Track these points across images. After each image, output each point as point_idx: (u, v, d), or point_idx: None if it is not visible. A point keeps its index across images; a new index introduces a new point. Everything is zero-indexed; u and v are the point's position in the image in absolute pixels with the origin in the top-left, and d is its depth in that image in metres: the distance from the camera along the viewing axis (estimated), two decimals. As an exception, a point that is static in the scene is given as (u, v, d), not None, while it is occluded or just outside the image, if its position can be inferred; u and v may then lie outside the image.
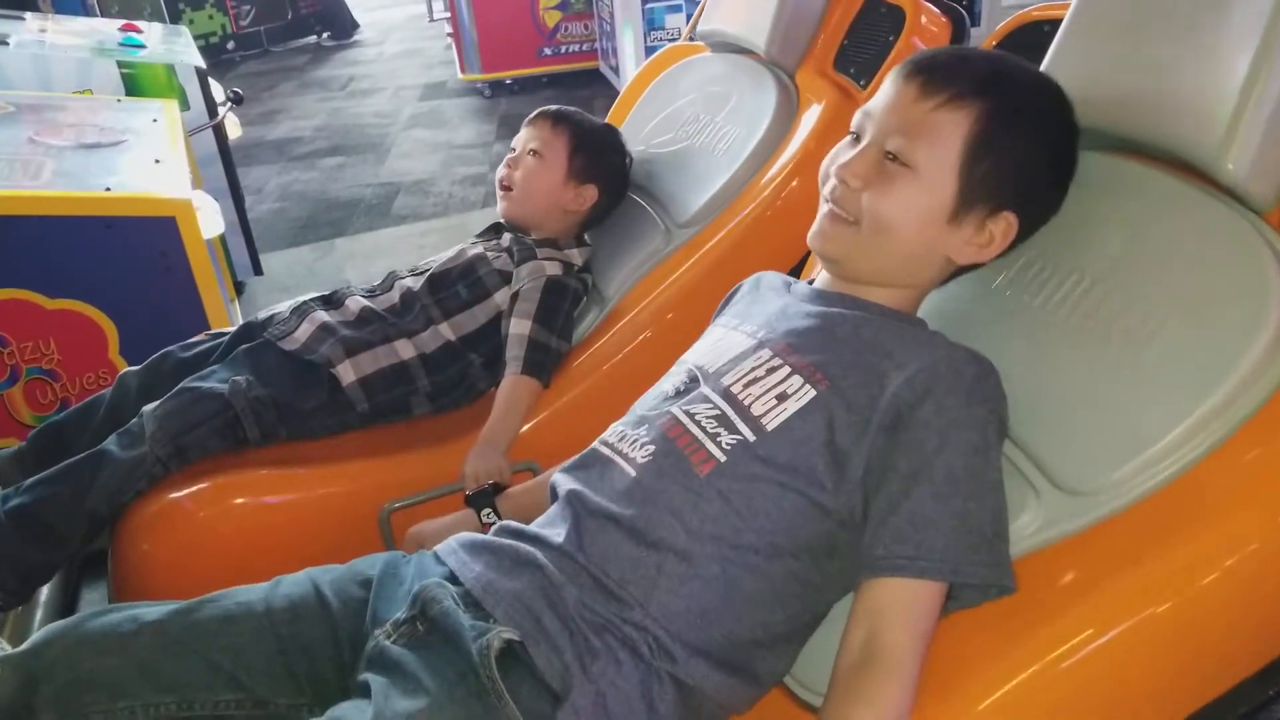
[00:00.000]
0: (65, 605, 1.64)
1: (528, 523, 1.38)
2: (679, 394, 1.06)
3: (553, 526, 1.02)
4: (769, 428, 0.96)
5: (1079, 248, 1.06)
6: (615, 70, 5.59)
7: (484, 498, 1.36)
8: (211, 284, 2.14)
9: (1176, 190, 1.01)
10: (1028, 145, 1.01)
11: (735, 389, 1.01)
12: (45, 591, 1.62)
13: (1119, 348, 0.97)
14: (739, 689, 0.96)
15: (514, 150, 1.78)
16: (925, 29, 1.62)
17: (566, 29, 6.04)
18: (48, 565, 1.44)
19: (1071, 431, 0.97)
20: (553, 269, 1.64)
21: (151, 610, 1.00)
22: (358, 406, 1.55)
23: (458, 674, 0.89)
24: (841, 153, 1.06)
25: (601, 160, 1.77)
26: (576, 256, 1.71)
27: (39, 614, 1.60)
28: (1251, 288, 0.90)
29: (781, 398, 0.98)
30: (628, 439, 1.04)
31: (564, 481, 1.06)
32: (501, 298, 1.64)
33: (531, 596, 0.94)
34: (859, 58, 1.69)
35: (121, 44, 3.21)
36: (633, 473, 1.00)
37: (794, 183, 1.61)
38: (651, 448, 1.01)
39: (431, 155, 5.16)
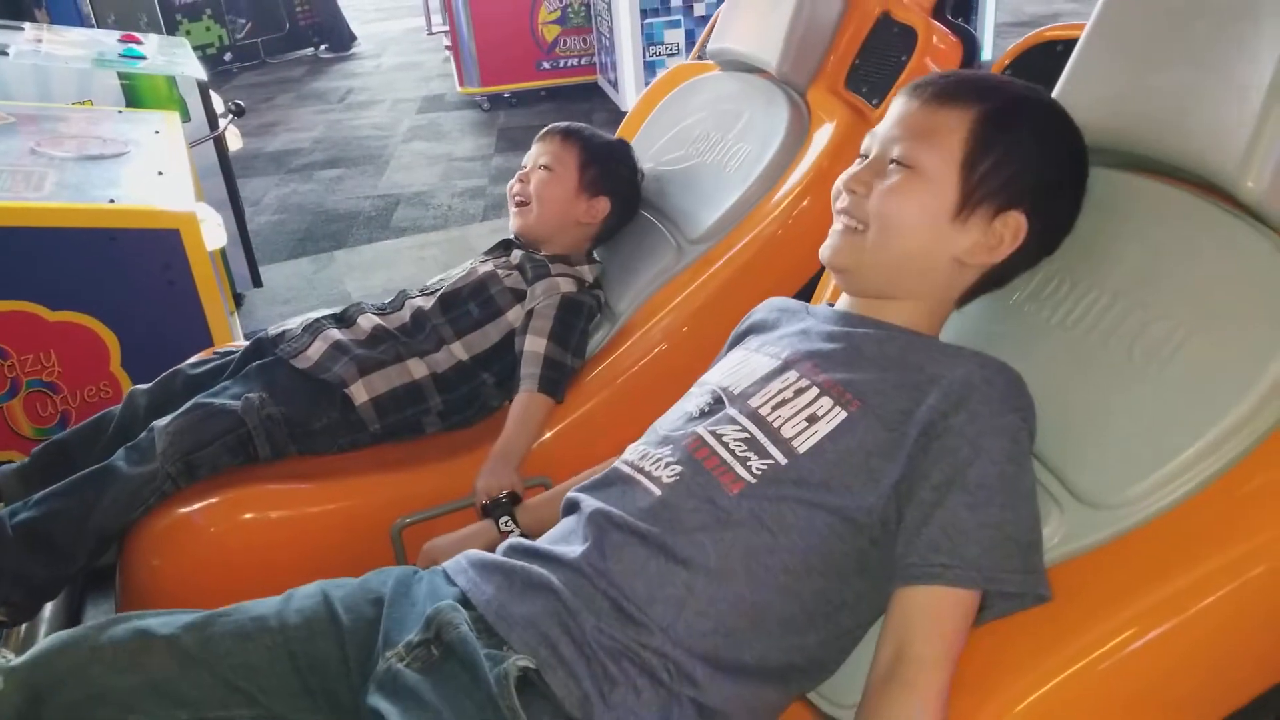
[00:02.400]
0: (70, 618, 1.62)
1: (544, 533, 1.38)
2: (704, 415, 1.05)
3: (568, 542, 1.01)
4: (800, 450, 0.96)
5: (1097, 265, 1.06)
6: (614, 84, 5.60)
7: (502, 507, 1.36)
8: (214, 297, 2.14)
9: (1195, 208, 1.01)
10: (1028, 144, 1.03)
11: (764, 411, 1.00)
12: (49, 606, 1.60)
13: (1139, 364, 0.97)
14: (767, 701, 0.96)
15: (524, 167, 1.78)
16: (936, 48, 1.62)
17: (565, 43, 6.05)
18: (55, 581, 1.43)
19: (1093, 446, 0.97)
20: (567, 286, 1.64)
21: (163, 624, 0.98)
22: (370, 426, 1.54)
23: (477, 705, 0.87)
24: (849, 171, 1.08)
25: (612, 172, 1.78)
26: (588, 273, 1.71)
27: (44, 628, 1.58)
28: (1272, 305, 0.90)
29: (812, 419, 0.97)
30: (650, 458, 1.03)
31: (584, 500, 1.04)
32: (514, 315, 1.63)
33: (546, 622, 0.93)
34: (871, 77, 1.69)
35: (122, 55, 3.20)
36: (658, 491, 0.98)
37: (805, 201, 1.60)
38: (678, 468, 0.99)
39: (430, 168, 5.16)
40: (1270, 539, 0.85)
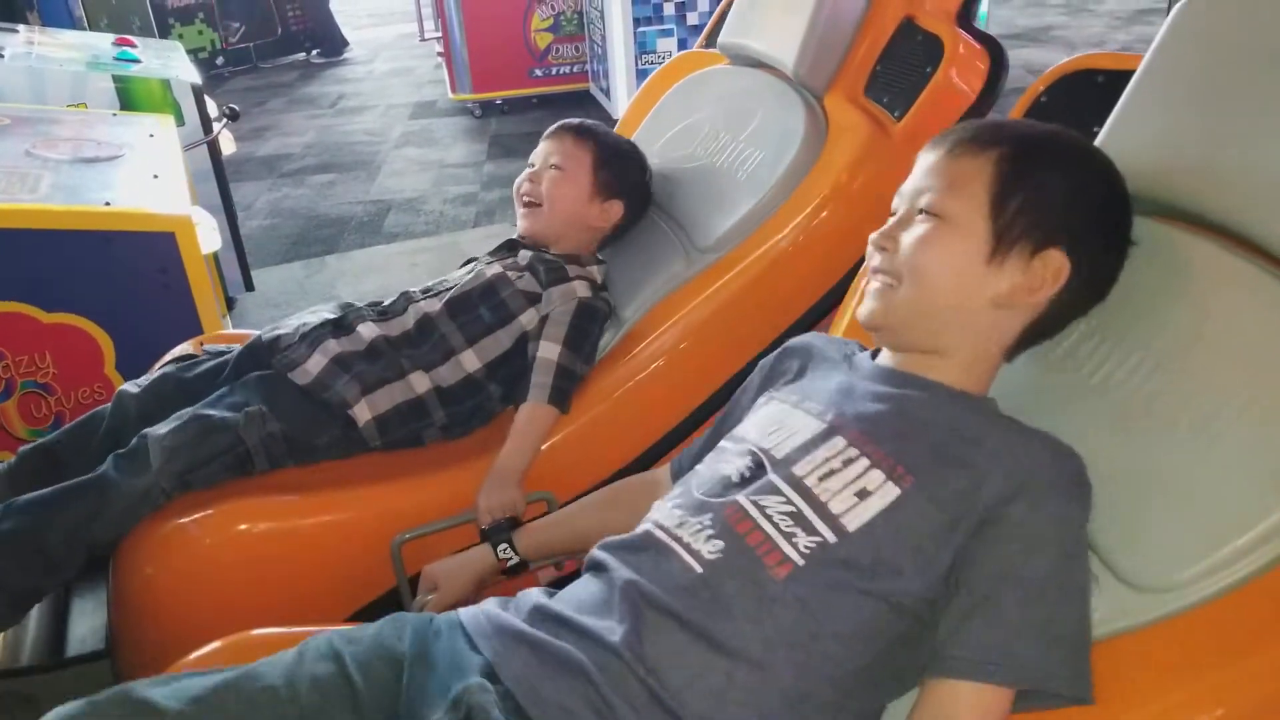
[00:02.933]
0: (57, 613, 1.58)
1: (545, 558, 1.35)
2: (745, 481, 0.99)
3: (599, 616, 0.95)
4: (850, 529, 0.91)
5: (1140, 323, 1.01)
6: (606, 92, 5.60)
7: (500, 533, 1.33)
8: (209, 300, 2.15)
9: (1248, 273, 0.96)
10: (1058, 180, 0.99)
11: (809, 482, 0.95)
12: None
13: (1189, 436, 0.91)
14: None
15: (533, 165, 1.74)
16: (964, 59, 1.57)
17: (558, 51, 6.04)
18: (41, 591, 1.40)
19: (1138, 524, 0.92)
20: (583, 291, 1.59)
21: (168, 698, 0.90)
22: (371, 443, 1.51)
23: None
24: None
25: (627, 175, 1.74)
26: (597, 273, 1.67)
27: (31, 627, 1.55)
28: None
29: (862, 494, 0.92)
30: (688, 526, 0.97)
31: (613, 565, 0.98)
32: (527, 319, 1.59)
33: (581, 710, 0.88)
34: (893, 86, 1.65)
35: (116, 58, 3.19)
36: (699, 569, 0.93)
37: (823, 215, 1.56)
38: (720, 543, 0.94)
39: (422, 174, 5.14)
40: None
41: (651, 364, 1.57)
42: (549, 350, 1.54)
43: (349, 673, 0.95)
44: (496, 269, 1.63)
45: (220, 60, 7.59)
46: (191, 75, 3.16)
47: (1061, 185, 0.99)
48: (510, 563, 1.30)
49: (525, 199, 1.72)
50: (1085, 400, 1.01)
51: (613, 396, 1.56)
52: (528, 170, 1.75)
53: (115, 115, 2.84)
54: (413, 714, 0.92)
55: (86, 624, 1.56)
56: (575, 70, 6.07)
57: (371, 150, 5.63)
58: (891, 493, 0.91)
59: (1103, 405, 1.00)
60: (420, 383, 1.53)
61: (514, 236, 1.77)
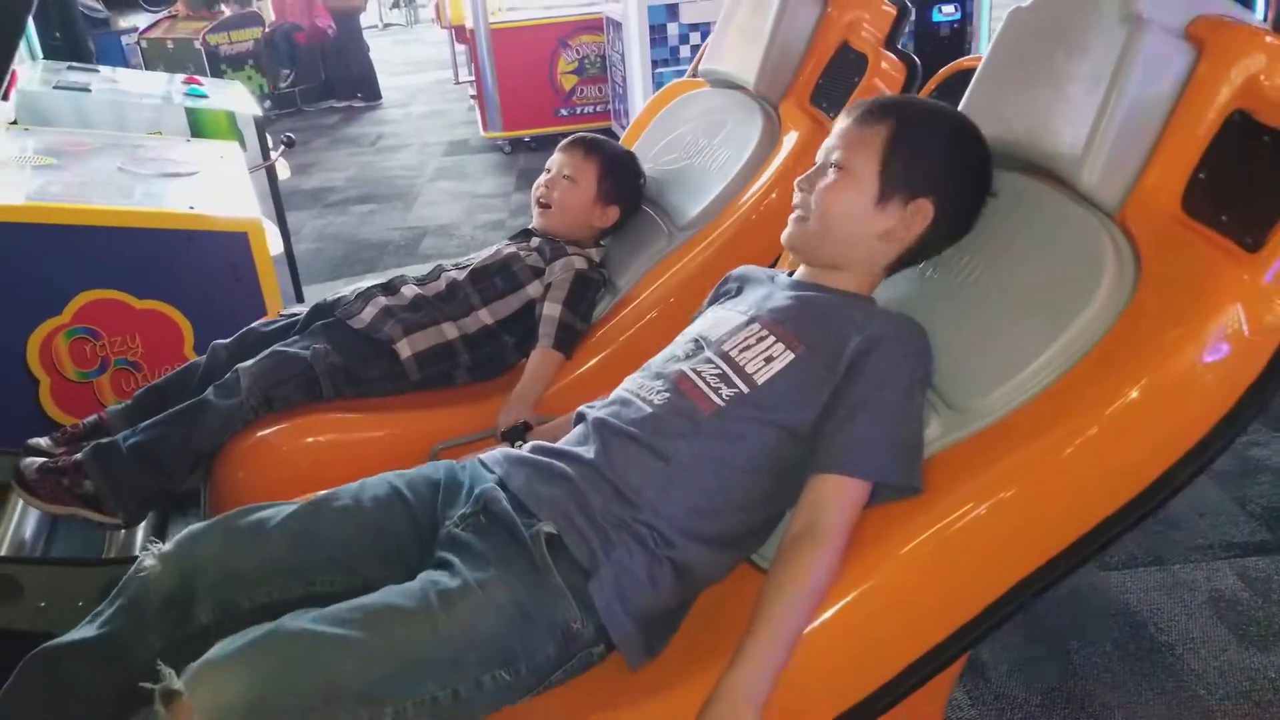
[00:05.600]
0: (159, 524, 1.92)
1: None
2: (687, 357, 1.34)
3: (582, 445, 1.29)
4: (759, 382, 1.26)
5: (983, 241, 1.35)
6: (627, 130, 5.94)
7: (516, 433, 1.67)
8: (274, 292, 2.44)
9: (1049, 196, 1.30)
10: (934, 147, 1.34)
11: (732, 354, 1.30)
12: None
13: (998, 305, 1.27)
14: (721, 563, 1.27)
15: (549, 171, 2.11)
16: (885, 72, 1.94)
17: (582, 91, 6.43)
18: (161, 492, 1.76)
19: (961, 366, 1.26)
20: (580, 263, 1.97)
21: (271, 514, 1.27)
22: (411, 376, 1.87)
23: (515, 553, 1.18)
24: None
25: (625, 185, 2.11)
26: (595, 255, 2.05)
27: (139, 535, 1.91)
28: (1094, 267, 1.17)
29: (768, 359, 1.27)
30: (645, 388, 1.32)
31: (589, 414, 1.34)
32: (533, 289, 1.96)
33: (565, 501, 1.22)
34: (831, 94, 2.01)
35: (187, 94, 3.59)
36: (649, 410, 1.28)
37: (773, 195, 1.93)
38: (667, 395, 1.29)
39: (455, 204, 5.53)
40: (1085, 422, 1.12)
41: (641, 320, 1.93)
42: (552, 309, 1.91)
43: (400, 490, 1.33)
44: (511, 249, 2.03)
45: (268, 104, 8.05)
46: (253, 108, 3.56)
47: (935, 151, 1.35)
48: (528, 445, 1.63)
49: (540, 200, 2.10)
50: (941, 296, 1.37)
51: (610, 346, 1.93)
52: (544, 175, 2.12)
53: (188, 141, 3.22)
54: (446, 515, 1.28)
55: (183, 526, 1.90)
56: (598, 110, 6.44)
57: (408, 183, 6.03)
58: (788, 356, 1.27)
59: (950, 297, 1.35)
60: (450, 330, 1.91)
61: (529, 226, 2.15)
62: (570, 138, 2.15)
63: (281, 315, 2.05)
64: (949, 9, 5.04)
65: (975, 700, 1.89)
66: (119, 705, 1.15)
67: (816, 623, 1.14)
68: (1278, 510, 2.41)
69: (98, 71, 3.83)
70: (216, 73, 7.19)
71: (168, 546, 1.24)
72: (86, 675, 1.17)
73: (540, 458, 1.31)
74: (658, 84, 5.40)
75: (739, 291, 1.50)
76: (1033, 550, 1.17)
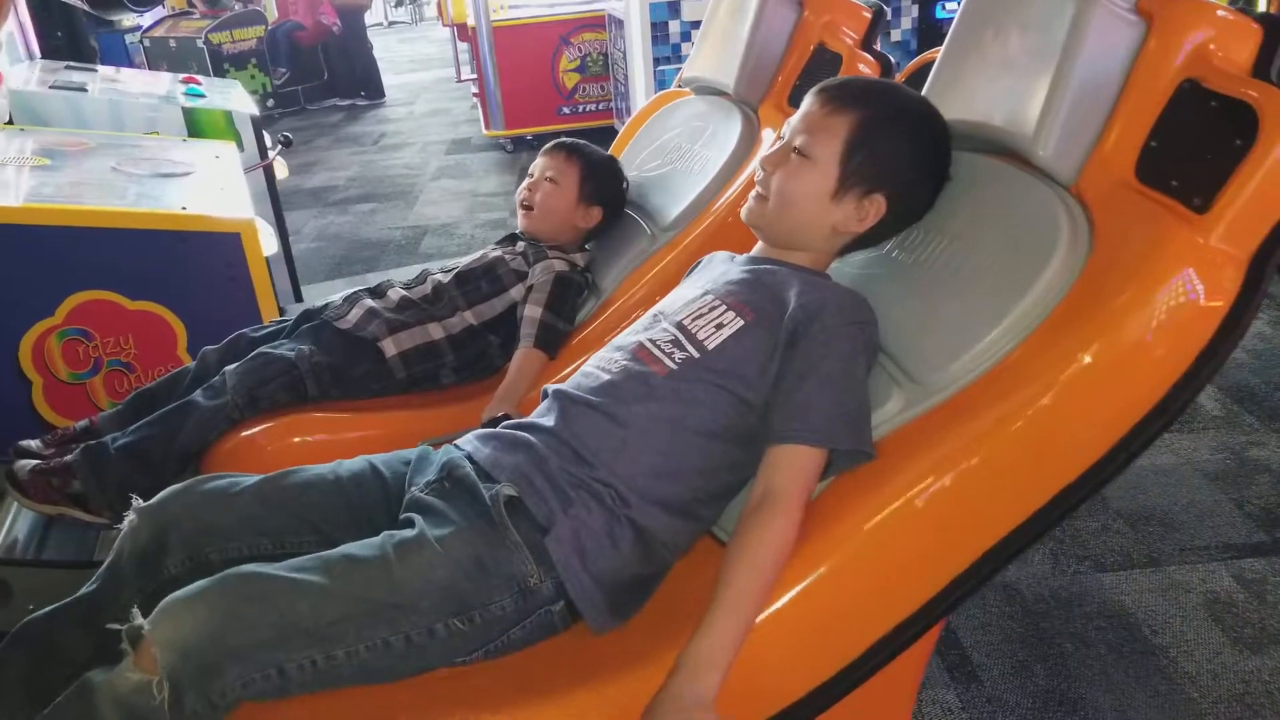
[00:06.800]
0: None
1: None
2: (645, 329, 1.40)
3: (543, 416, 1.35)
4: (710, 348, 1.30)
5: (943, 218, 1.38)
6: (629, 127, 5.95)
7: (496, 424, 1.68)
8: (268, 293, 2.45)
9: (1009, 173, 1.33)
10: (895, 145, 1.35)
11: (685, 322, 1.35)
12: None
13: (958, 283, 1.29)
14: (682, 531, 1.29)
15: (532, 175, 2.12)
16: (859, 71, 1.94)
17: (584, 90, 6.43)
18: (149, 490, 1.75)
19: (921, 341, 1.28)
20: (561, 266, 1.99)
21: (246, 478, 1.35)
22: (397, 375, 1.89)
23: (475, 513, 1.23)
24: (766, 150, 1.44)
25: (606, 187, 2.12)
26: (580, 259, 2.06)
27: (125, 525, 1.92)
28: (1048, 238, 1.19)
29: (719, 326, 1.32)
30: (605, 359, 1.37)
31: (552, 390, 1.38)
32: (516, 292, 1.98)
33: (526, 465, 1.26)
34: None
35: (185, 93, 3.60)
36: (607, 378, 1.33)
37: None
38: (624, 363, 1.34)
39: (456, 203, 5.53)
40: (1037, 391, 1.13)
41: (625, 320, 1.92)
42: (533, 311, 1.93)
43: (376, 465, 1.38)
44: (497, 253, 2.05)
45: (270, 102, 8.10)
46: (250, 108, 3.58)
47: (897, 147, 1.36)
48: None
49: (524, 203, 2.11)
50: (904, 274, 1.40)
51: (593, 347, 1.88)
52: (527, 180, 2.13)
53: (185, 141, 3.24)
54: (414, 483, 1.32)
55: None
56: (600, 108, 6.44)
57: (410, 182, 6.05)
58: (738, 324, 1.31)
59: (912, 275, 1.38)
60: (435, 330, 1.93)
61: (515, 231, 2.16)
62: (552, 142, 2.16)
63: (272, 322, 2.07)
64: (952, 5, 5.03)
65: (967, 704, 1.88)
66: (101, 661, 1.18)
67: (780, 601, 1.16)
68: (1275, 511, 2.40)
69: (96, 71, 3.84)
70: (219, 72, 7.21)
71: (148, 503, 1.31)
72: (68, 637, 1.24)
73: (505, 430, 1.35)
74: (660, 82, 5.41)
75: (702, 271, 1.55)
76: (995, 521, 1.18)
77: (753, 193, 1.42)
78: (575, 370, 1.82)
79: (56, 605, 1.27)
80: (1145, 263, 1.11)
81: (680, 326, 1.35)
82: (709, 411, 1.27)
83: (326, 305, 1.98)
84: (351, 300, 1.96)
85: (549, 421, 1.32)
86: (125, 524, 1.30)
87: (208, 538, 1.28)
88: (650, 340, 1.35)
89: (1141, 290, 1.10)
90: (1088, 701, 1.88)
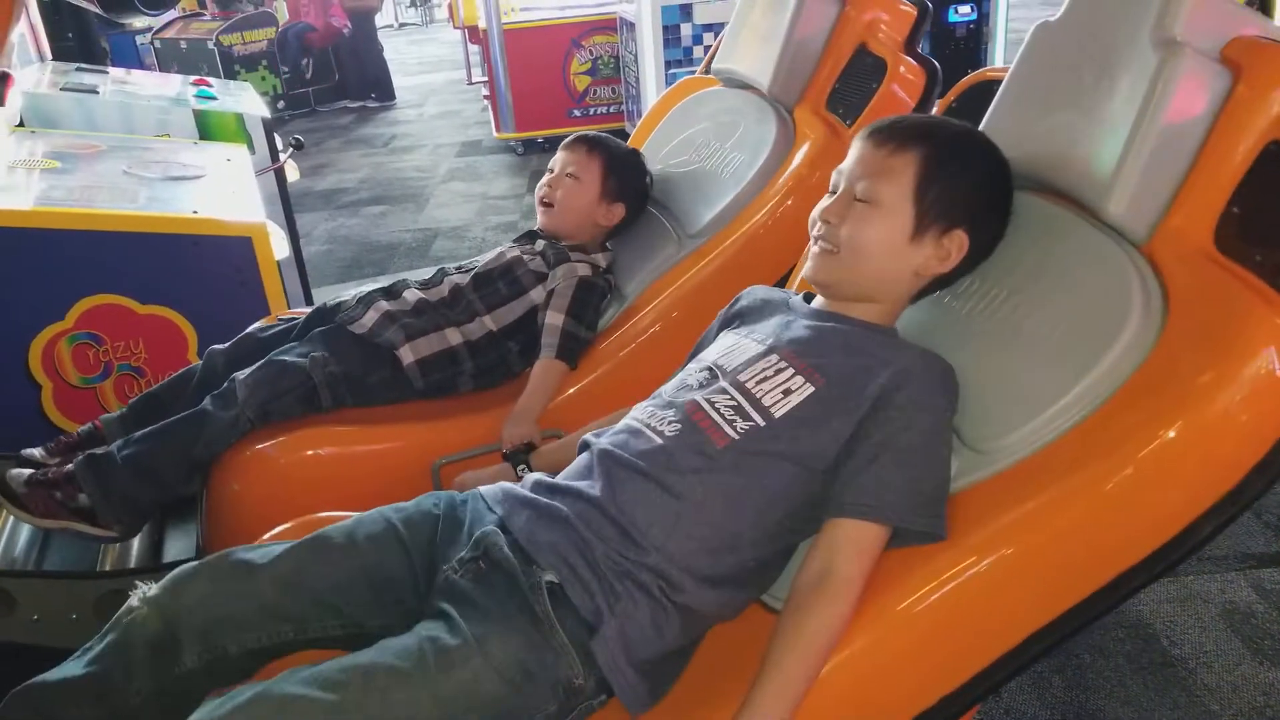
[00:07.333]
0: (155, 537, 1.90)
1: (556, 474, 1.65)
2: (701, 386, 1.28)
3: (584, 479, 1.24)
4: (776, 416, 1.20)
5: (1002, 268, 1.30)
6: (641, 130, 5.92)
7: (519, 455, 1.63)
8: (279, 296, 2.43)
9: (1074, 225, 1.25)
10: (965, 174, 1.27)
11: (749, 385, 1.24)
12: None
13: (1020, 343, 1.21)
14: (729, 603, 1.21)
15: (552, 170, 2.05)
16: (903, 77, 1.88)
17: (595, 92, 6.41)
18: (155, 504, 1.73)
19: (980, 404, 1.21)
20: (584, 270, 1.92)
21: (261, 557, 1.22)
22: (415, 384, 1.82)
23: (516, 607, 1.13)
24: (822, 204, 1.33)
25: (629, 183, 2.05)
26: (602, 260, 1.98)
27: (135, 545, 1.88)
28: (1120, 303, 1.12)
29: (787, 392, 1.21)
30: (656, 417, 1.26)
31: (595, 442, 1.28)
32: (536, 294, 1.91)
33: (567, 548, 1.16)
34: (847, 100, 1.95)
35: (196, 95, 3.56)
36: (660, 441, 1.22)
37: (789, 202, 1.87)
38: (678, 425, 1.22)
39: (467, 205, 5.50)
40: (1103, 472, 1.07)
41: (648, 331, 1.88)
42: (554, 318, 1.86)
43: (396, 528, 1.27)
44: (515, 253, 1.97)
45: (281, 104, 8.08)
46: (261, 110, 3.53)
47: (968, 179, 1.28)
48: (527, 479, 1.59)
49: (544, 200, 2.04)
50: (959, 326, 1.31)
51: (616, 358, 1.88)
52: (547, 175, 2.06)
53: (196, 144, 3.20)
54: (445, 558, 1.23)
55: (179, 540, 1.88)
56: (612, 110, 6.41)
57: (420, 185, 6.02)
58: (807, 390, 1.21)
59: (970, 328, 1.30)
60: (453, 336, 1.86)
61: (534, 228, 2.09)
62: (572, 136, 2.10)
63: (280, 319, 2.01)
64: (965, 9, 4.99)
65: (985, 715, 1.84)
66: None
67: (824, 669, 1.10)
68: (1297, 521, 2.36)
69: (107, 73, 3.81)
70: (230, 73, 7.19)
71: (153, 590, 1.19)
72: (72, 714, 1.14)
73: (542, 498, 1.25)
74: (671, 85, 5.37)
75: (754, 316, 1.43)
76: (1050, 600, 1.12)
77: (814, 249, 1.31)
78: (599, 381, 1.83)
79: (62, 676, 1.16)
80: (1229, 344, 1.04)
81: (742, 389, 1.24)
82: (773, 484, 1.18)
83: (340, 304, 1.92)
84: (366, 301, 1.89)
85: (593, 489, 1.21)
86: (132, 609, 1.18)
87: (223, 629, 1.17)
88: (708, 401, 1.24)
89: (1225, 372, 1.04)
90: (1106, 713, 1.84)
